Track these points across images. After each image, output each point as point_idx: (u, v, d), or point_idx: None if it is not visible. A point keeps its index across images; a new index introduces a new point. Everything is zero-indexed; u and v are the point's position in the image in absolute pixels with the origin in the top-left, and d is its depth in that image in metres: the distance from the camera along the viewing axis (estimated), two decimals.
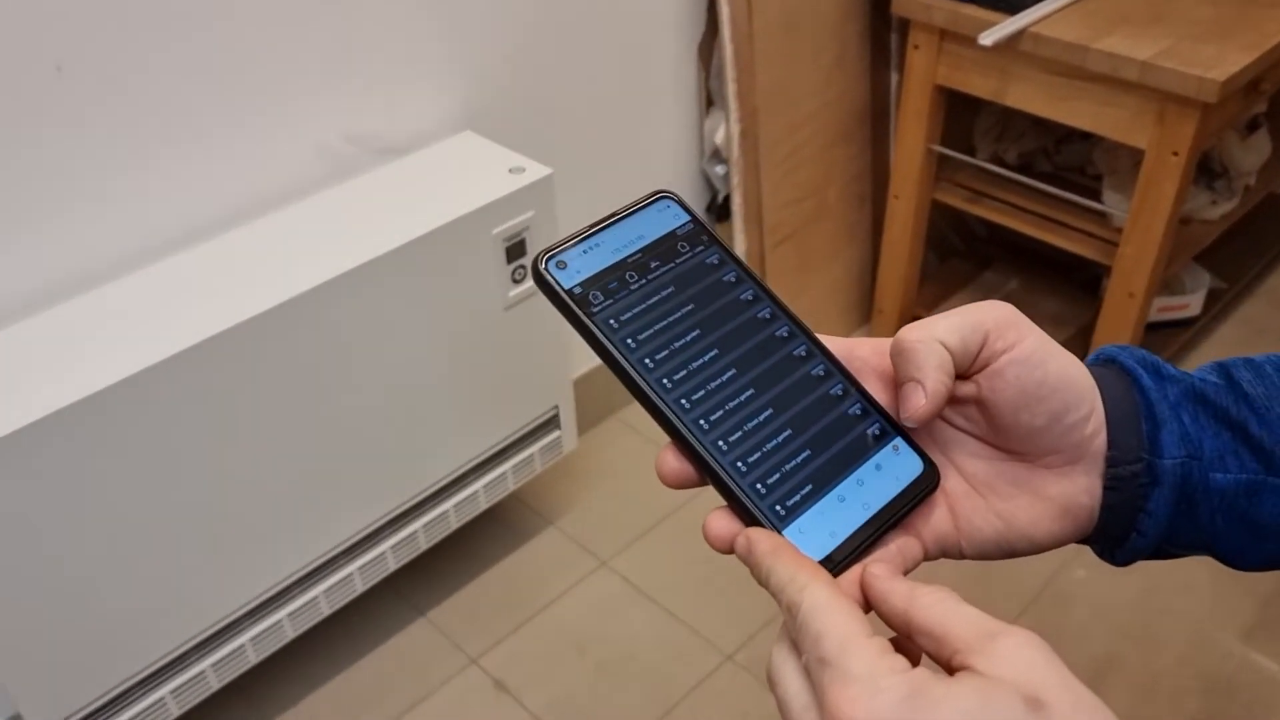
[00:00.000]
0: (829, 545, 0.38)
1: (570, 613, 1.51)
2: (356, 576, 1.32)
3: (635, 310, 0.40)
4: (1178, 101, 1.38)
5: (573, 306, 0.39)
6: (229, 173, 1.18)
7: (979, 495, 0.42)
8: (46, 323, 1.07)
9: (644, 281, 0.41)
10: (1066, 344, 0.41)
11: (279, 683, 1.42)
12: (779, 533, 0.38)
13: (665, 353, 0.40)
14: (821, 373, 0.42)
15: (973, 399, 0.41)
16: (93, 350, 1.03)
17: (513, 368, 1.37)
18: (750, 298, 0.42)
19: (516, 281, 1.30)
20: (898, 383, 0.40)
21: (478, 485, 1.41)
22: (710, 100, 1.68)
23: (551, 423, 1.48)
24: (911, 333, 0.40)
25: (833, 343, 0.43)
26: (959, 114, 1.79)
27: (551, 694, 1.41)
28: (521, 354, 1.37)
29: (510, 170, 1.27)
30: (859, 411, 0.41)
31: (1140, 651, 1.44)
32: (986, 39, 1.44)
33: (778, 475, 0.39)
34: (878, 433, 0.41)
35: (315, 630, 1.33)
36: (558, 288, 0.40)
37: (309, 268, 1.12)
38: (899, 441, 0.41)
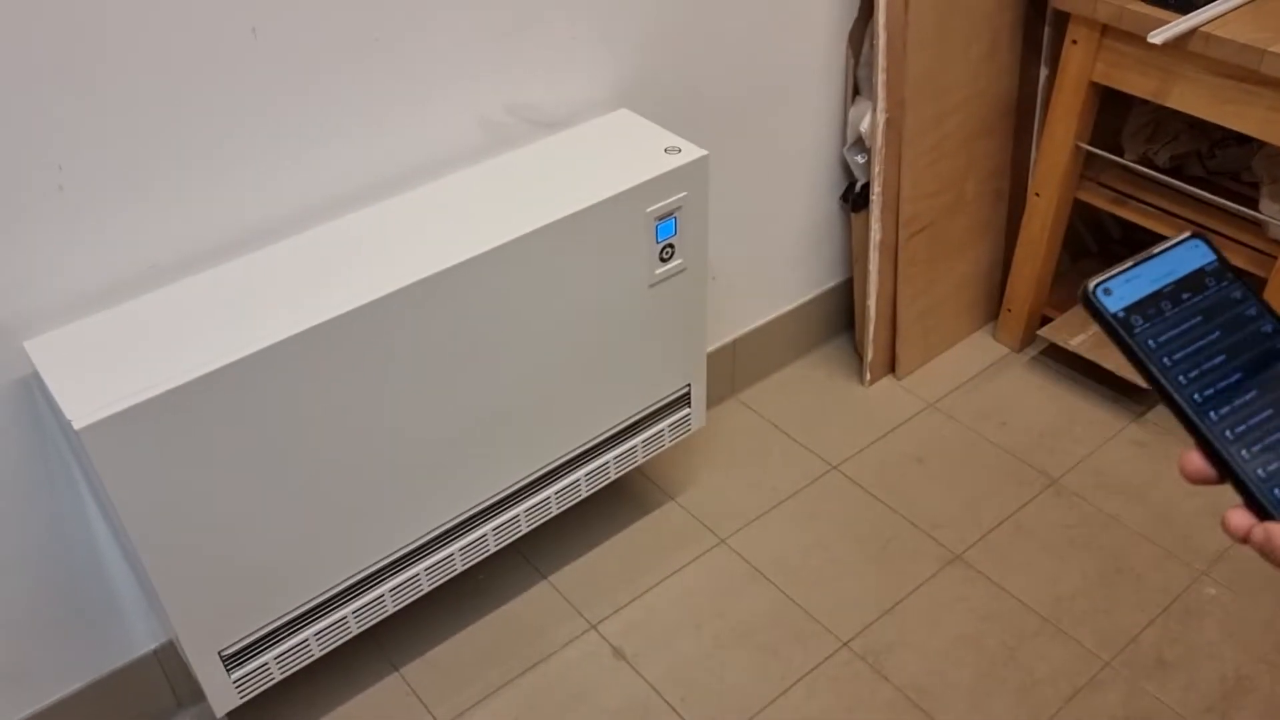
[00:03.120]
0: None
1: (688, 587, 1.54)
2: (490, 537, 1.36)
3: (1170, 334, 0.47)
4: None
5: (1118, 329, 0.47)
6: (398, 138, 1.22)
7: None
8: (220, 277, 1.12)
9: (1176, 310, 0.48)
10: None
11: (407, 633, 1.47)
12: None
13: (1196, 372, 0.47)
14: None
15: None
16: (255, 309, 1.07)
17: (651, 344, 1.39)
18: (1270, 330, 0.49)
19: (664, 260, 1.32)
20: None
21: (609, 456, 1.44)
22: (856, 88, 1.67)
23: (683, 400, 1.49)
24: None
25: None
26: (1107, 112, 1.75)
27: (668, 664, 1.43)
28: (661, 331, 1.39)
29: (666, 150, 1.29)
30: None
31: (1274, 675, 1.40)
32: (1157, 37, 1.41)
33: None
34: None
35: (442, 586, 1.37)
36: (1104, 312, 0.48)
37: (468, 238, 1.15)
38: None
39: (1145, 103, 1.69)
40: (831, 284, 1.90)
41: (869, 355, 1.85)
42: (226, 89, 1.07)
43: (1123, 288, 0.48)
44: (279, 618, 1.20)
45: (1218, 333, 0.48)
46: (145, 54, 1.00)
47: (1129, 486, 1.67)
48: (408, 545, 1.27)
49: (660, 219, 1.29)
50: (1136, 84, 1.55)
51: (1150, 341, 0.47)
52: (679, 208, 1.30)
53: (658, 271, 1.33)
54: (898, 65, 1.59)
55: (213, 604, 1.13)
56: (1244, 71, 1.39)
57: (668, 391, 1.47)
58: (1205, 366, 0.47)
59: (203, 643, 1.15)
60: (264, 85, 1.09)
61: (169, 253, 1.11)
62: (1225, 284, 0.49)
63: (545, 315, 1.25)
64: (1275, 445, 0.46)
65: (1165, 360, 0.47)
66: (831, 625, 1.48)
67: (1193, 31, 1.40)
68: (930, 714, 1.37)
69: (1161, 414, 1.79)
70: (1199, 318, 0.48)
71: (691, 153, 1.29)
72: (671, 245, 1.32)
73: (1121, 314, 0.47)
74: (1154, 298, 0.48)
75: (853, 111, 1.68)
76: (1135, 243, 2.05)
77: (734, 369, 1.83)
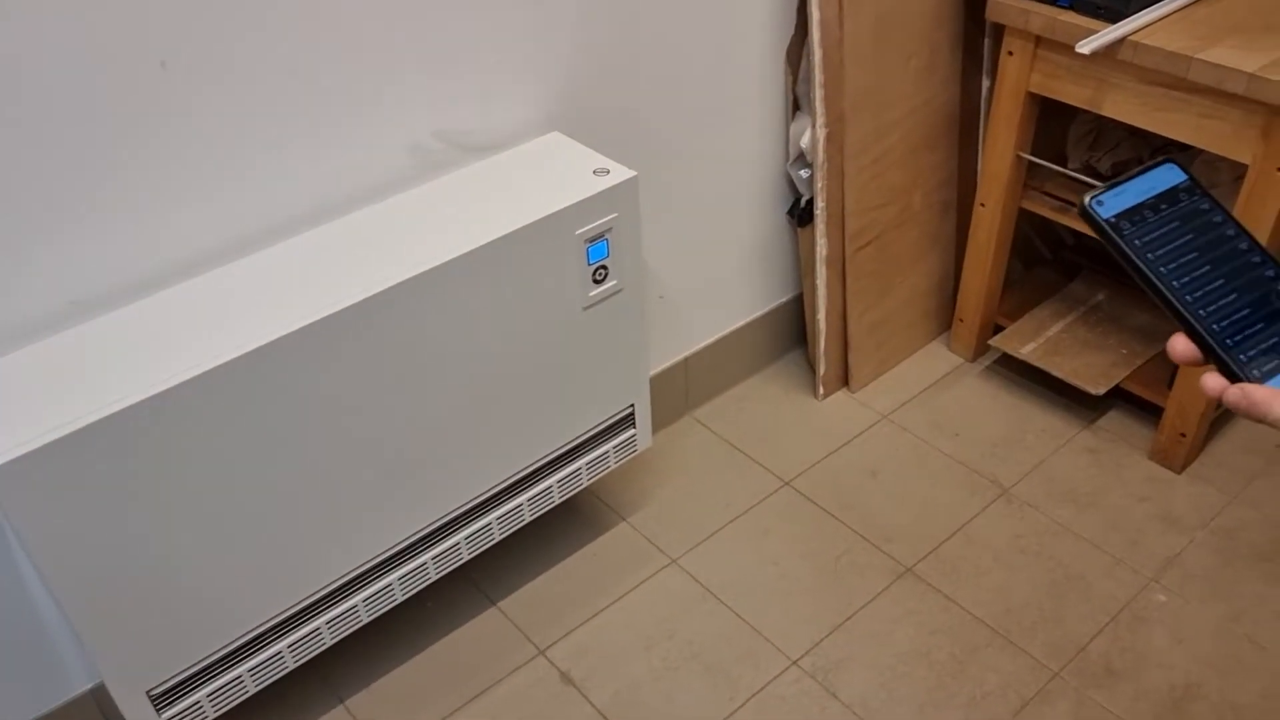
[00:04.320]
0: None
1: (638, 609, 1.52)
2: (430, 565, 1.35)
3: (1151, 236, 0.58)
4: None
5: (1110, 232, 0.58)
6: (323, 167, 1.21)
7: None
8: (136, 314, 1.11)
9: (1157, 217, 0.58)
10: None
11: (351, 664, 1.45)
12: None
13: (1174, 264, 0.57)
14: None
15: None
16: (170, 346, 1.06)
17: (590, 366, 1.39)
18: (1232, 233, 0.59)
19: (597, 282, 1.31)
20: None
21: (552, 480, 1.43)
22: (796, 104, 1.67)
23: (626, 421, 1.49)
24: None
25: None
26: (1051, 121, 1.75)
27: (616, 688, 1.42)
28: (599, 353, 1.38)
29: (595, 172, 1.28)
30: None
31: (1222, 682, 1.40)
32: (1084, 47, 1.41)
33: (1254, 350, 0.56)
34: None
35: (388, 614, 1.36)
36: (1099, 219, 0.58)
37: (396, 263, 1.15)
38: None
39: (1087, 112, 1.69)
40: (783, 299, 1.90)
41: (821, 369, 1.85)
42: (138, 123, 1.06)
43: (1113, 200, 0.58)
44: (209, 655, 1.18)
45: (1191, 235, 0.58)
46: (59, 88, 0.99)
47: (1080, 494, 1.67)
48: (342, 577, 1.26)
49: (591, 241, 1.28)
50: (1071, 93, 1.55)
51: (1136, 241, 0.57)
52: (610, 229, 1.29)
53: (591, 294, 1.32)
54: (835, 80, 1.59)
55: (137, 642, 1.12)
56: (1172, 79, 1.40)
57: (610, 413, 1.46)
58: (1182, 260, 0.57)
59: (129, 682, 1.14)
60: (178, 119, 1.08)
61: (84, 291, 1.10)
62: (1195, 198, 0.59)
63: (477, 340, 1.24)
64: (1239, 320, 0.57)
65: (1149, 256, 0.57)
66: (781, 643, 1.47)
67: (1121, 40, 1.41)
68: None
69: (1112, 420, 1.79)
70: (1176, 223, 0.58)
71: (620, 174, 1.28)
72: (605, 267, 1.32)
73: (1112, 219, 0.58)
74: (1138, 208, 0.58)
75: (793, 127, 1.68)
76: (1087, 248, 2.05)
77: (686, 387, 1.83)
